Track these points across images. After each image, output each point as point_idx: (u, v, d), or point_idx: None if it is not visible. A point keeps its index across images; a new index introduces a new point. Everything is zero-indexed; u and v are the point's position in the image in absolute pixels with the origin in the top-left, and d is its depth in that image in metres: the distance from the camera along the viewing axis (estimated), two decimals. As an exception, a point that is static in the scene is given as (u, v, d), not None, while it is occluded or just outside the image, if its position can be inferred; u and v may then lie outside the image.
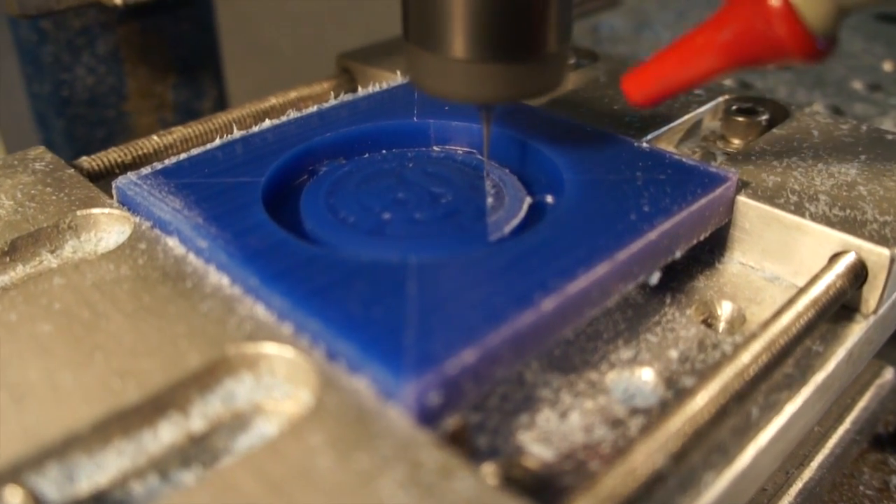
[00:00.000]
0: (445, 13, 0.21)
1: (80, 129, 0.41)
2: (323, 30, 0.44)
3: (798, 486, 0.25)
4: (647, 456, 0.16)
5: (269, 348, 0.18)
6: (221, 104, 0.47)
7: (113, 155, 0.30)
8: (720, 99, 0.31)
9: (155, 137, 0.31)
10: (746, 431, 0.19)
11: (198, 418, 0.18)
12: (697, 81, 0.22)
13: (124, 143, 0.30)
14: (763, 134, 0.29)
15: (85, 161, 0.29)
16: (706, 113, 0.31)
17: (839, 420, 0.27)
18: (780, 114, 0.30)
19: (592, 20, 0.47)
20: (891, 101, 0.38)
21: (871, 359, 0.30)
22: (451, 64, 0.22)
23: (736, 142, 0.30)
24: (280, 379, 0.19)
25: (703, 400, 0.18)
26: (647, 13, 0.48)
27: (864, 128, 0.29)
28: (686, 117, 0.29)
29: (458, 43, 0.21)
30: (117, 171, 0.29)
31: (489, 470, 0.18)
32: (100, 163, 0.30)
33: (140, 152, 0.30)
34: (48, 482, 0.16)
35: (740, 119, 0.30)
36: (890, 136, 0.28)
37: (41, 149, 0.29)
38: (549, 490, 0.17)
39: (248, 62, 0.46)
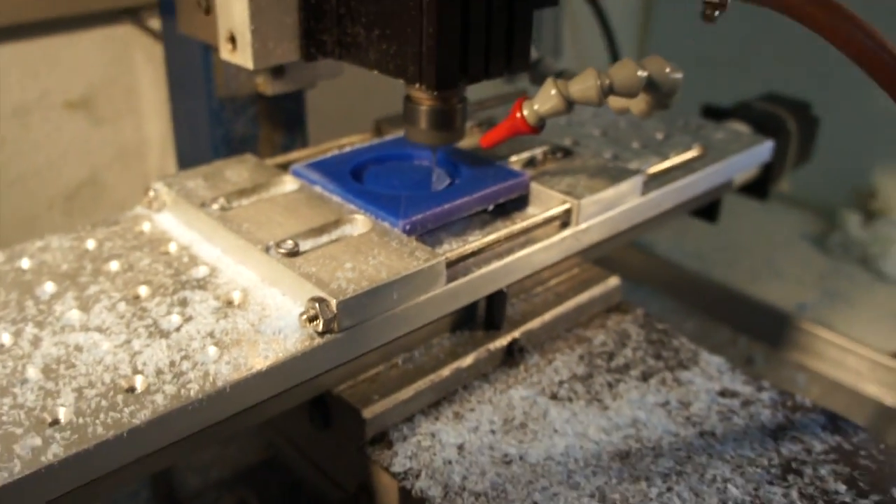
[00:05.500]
0: (417, 115, 0.58)
1: (237, 157, 0.79)
2: (359, 100, 0.83)
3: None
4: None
5: (357, 216, 0.56)
6: (304, 144, 0.85)
7: (279, 159, 0.68)
8: (545, 147, 0.69)
9: (294, 154, 0.69)
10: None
11: (334, 235, 0.55)
12: (504, 139, 0.58)
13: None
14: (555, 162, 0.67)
15: (268, 160, 0.67)
16: (538, 152, 0.68)
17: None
18: (567, 153, 0.68)
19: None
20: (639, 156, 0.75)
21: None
22: (418, 131, 0.58)
23: (548, 165, 0.68)
24: (358, 227, 0.56)
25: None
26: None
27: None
28: (524, 154, 0.67)
29: (422, 124, 0.58)
30: (286, 164, 0.67)
31: (425, 257, 0.55)
32: (277, 161, 0.67)
33: (292, 158, 0.68)
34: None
35: (548, 155, 0.68)
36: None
37: (248, 154, 0.67)
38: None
39: (322, 119, 0.85)
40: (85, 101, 0.89)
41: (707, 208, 0.84)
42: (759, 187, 0.94)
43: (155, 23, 0.90)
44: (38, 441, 0.38)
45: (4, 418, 0.40)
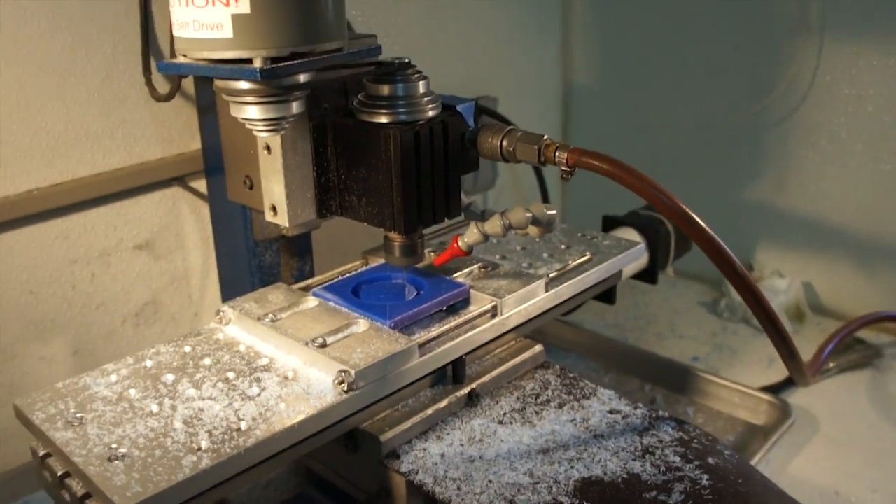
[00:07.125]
0: (393, 248, 0.91)
1: (268, 281, 1.12)
2: (346, 236, 1.16)
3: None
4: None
5: (360, 320, 0.88)
6: (312, 273, 1.18)
7: (301, 284, 1.00)
8: (480, 264, 1.02)
9: (311, 280, 1.01)
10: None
11: (346, 332, 0.87)
12: (449, 260, 0.92)
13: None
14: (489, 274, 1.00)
15: (294, 286, 0.99)
16: (475, 268, 1.01)
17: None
18: (494, 266, 1.01)
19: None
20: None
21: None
22: (394, 258, 0.90)
23: (482, 276, 1.00)
24: (361, 327, 0.88)
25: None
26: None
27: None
28: (465, 270, 1.00)
29: (397, 253, 0.91)
30: (307, 287, 0.99)
31: (404, 342, 0.87)
32: (300, 286, 1.00)
33: (310, 283, 1.00)
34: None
35: (482, 269, 1.01)
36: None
37: (280, 283, 0.99)
38: (415, 344, 0.87)
39: (323, 251, 1.18)
40: (148, 244, 1.22)
41: (605, 294, 1.17)
42: (649, 275, 1.28)
43: (196, 183, 1.24)
44: (194, 458, 0.69)
45: (170, 448, 0.70)
